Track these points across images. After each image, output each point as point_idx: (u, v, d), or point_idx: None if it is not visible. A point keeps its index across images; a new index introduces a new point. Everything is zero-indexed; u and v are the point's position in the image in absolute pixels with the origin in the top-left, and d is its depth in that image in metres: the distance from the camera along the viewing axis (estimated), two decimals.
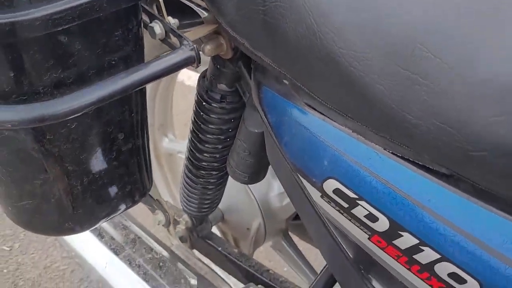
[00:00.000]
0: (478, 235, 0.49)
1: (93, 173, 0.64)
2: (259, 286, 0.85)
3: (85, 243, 0.99)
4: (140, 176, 0.70)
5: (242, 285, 0.88)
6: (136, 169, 0.69)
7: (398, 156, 0.53)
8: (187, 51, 0.58)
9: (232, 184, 1.08)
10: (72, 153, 0.60)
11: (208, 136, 0.80)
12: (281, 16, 0.55)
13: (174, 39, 0.61)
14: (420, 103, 0.47)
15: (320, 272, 0.77)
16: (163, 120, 1.35)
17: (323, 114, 0.58)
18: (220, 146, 0.81)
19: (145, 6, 0.61)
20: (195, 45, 0.57)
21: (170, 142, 1.36)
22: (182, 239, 1.06)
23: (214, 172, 0.87)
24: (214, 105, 0.76)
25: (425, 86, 0.47)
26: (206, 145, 0.82)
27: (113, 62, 0.56)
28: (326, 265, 0.76)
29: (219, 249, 1.00)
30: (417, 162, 0.52)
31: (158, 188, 1.39)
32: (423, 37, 0.48)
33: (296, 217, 1.19)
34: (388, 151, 0.53)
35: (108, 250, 0.96)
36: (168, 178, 1.42)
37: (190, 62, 0.58)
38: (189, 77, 2.76)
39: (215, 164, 0.85)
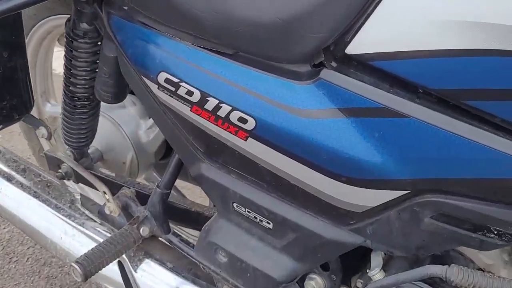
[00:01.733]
0: (252, 88, 0.77)
1: None
2: (131, 189, 1.10)
3: None
4: (23, 93, 0.93)
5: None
6: (20, 87, 0.91)
7: (201, 47, 0.80)
8: None
9: (108, 127, 1.31)
10: None
11: (78, 69, 1.03)
12: None
13: None
14: (207, 5, 0.75)
15: (171, 159, 1.02)
16: (45, 88, 1.53)
17: (152, 28, 0.84)
18: (88, 77, 1.04)
19: None
20: None
21: (53, 107, 1.54)
22: (67, 174, 1.27)
23: (87, 102, 1.09)
24: (80, 41, 0.99)
25: None
26: (78, 78, 1.04)
27: None
28: (174, 152, 1.02)
29: (99, 175, 1.22)
30: (212, 49, 0.79)
31: (44, 147, 1.57)
32: None
33: (163, 157, 1.43)
34: (195, 45, 0.80)
35: (1, 178, 1.15)
36: (53, 138, 1.60)
37: None
38: None
39: (86, 94, 1.07)
